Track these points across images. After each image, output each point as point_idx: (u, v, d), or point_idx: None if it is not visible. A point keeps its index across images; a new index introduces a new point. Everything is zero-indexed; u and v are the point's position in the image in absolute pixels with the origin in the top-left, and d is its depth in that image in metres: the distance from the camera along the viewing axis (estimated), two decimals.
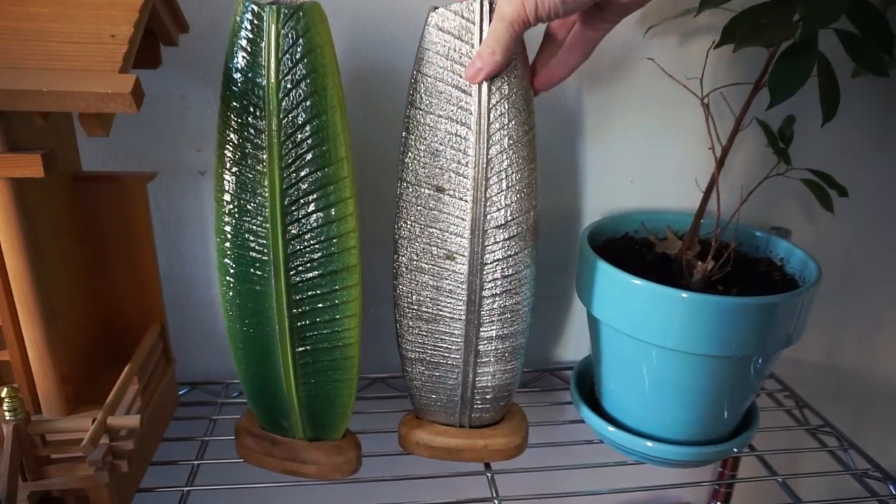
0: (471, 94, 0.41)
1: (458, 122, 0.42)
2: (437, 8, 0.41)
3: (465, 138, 0.42)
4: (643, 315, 0.46)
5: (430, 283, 0.46)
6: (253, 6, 0.37)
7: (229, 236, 0.42)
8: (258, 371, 0.45)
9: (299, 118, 0.39)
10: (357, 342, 0.44)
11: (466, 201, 0.43)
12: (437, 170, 0.43)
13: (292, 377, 0.45)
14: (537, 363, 0.66)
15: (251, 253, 0.42)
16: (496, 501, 0.48)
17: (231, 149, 0.40)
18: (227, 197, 0.41)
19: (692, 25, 0.55)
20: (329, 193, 0.40)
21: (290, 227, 0.41)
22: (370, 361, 0.62)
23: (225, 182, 0.41)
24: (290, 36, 0.37)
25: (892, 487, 0.51)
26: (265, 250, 0.41)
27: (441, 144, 0.43)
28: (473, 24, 0.40)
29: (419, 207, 0.44)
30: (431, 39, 0.41)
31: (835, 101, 0.44)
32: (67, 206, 0.44)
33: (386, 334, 0.62)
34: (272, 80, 0.38)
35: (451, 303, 0.46)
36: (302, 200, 0.40)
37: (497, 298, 0.45)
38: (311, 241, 0.41)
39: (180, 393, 0.57)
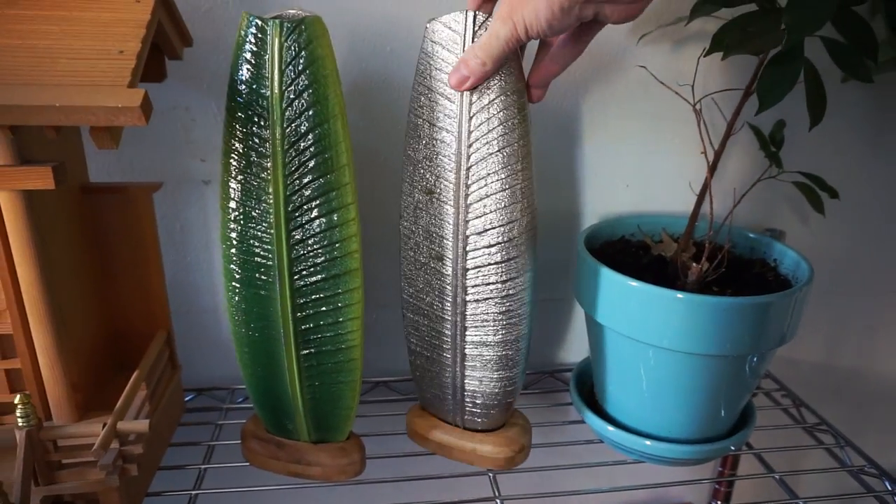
0: (454, 102, 0.43)
1: (444, 129, 0.43)
2: (432, 20, 0.42)
3: (448, 145, 0.44)
4: (640, 316, 0.47)
5: (427, 280, 0.47)
6: (257, 20, 0.39)
7: (235, 242, 0.43)
8: (263, 374, 0.46)
9: (302, 127, 0.40)
10: (360, 345, 0.45)
11: (451, 206, 0.45)
12: (427, 174, 0.45)
13: (297, 380, 0.46)
14: (537, 365, 0.67)
15: (256, 258, 0.43)
16: (498, 501, 0.49)
17: (236, 157, 0.41)
18: (232, 204, 0.42)
19: (684, 33, 0.56)
20: (331, 199, 0.41)
21: (293, 233, 0.42)
22: (373, 365, 0.63)
23: (230, 190, 0.42)
24: (292, 48, 0.39)
25: (887, 483, 0.52)
26: (270, 255, 0.42)
27: (430, 150, 0.44)
28: (459, 35, 0.42)
29: (415, 208, 0.46)
30: (426, 49, 0.43)
31: (821, 107, 0.45)
32: (76, 216, 0.45)
33: (388, 338, 0.63)
34: (276, 91, 0.39)
35: (440, 303, 0.47)
36: (305, 206, 0.41)
37: (480, 304, 0.46)
38: (315, 246, 0.42)
39: (186, 399, 0.58)
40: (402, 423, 0.54)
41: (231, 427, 0.55)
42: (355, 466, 0.49)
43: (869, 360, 0.76)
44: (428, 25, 0.43)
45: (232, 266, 0.43)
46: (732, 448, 0.52)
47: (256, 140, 0.40)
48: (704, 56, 0.50)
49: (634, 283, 0.46)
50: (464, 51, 0.41)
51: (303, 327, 0.44)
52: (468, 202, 0.44)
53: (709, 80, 0.57)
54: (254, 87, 0.40)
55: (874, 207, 0.67)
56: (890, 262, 0.71)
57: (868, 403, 0.79)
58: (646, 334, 0.47)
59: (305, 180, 0.41)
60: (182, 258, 0.58)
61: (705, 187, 0.50)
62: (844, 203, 0.58)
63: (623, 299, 0.47)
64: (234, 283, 0.44)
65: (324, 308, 0.44)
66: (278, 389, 0.47)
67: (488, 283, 0.45)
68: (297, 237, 0.42)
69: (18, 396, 0.38)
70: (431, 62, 0.43)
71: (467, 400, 0.50)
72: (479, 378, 0.48)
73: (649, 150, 0.60)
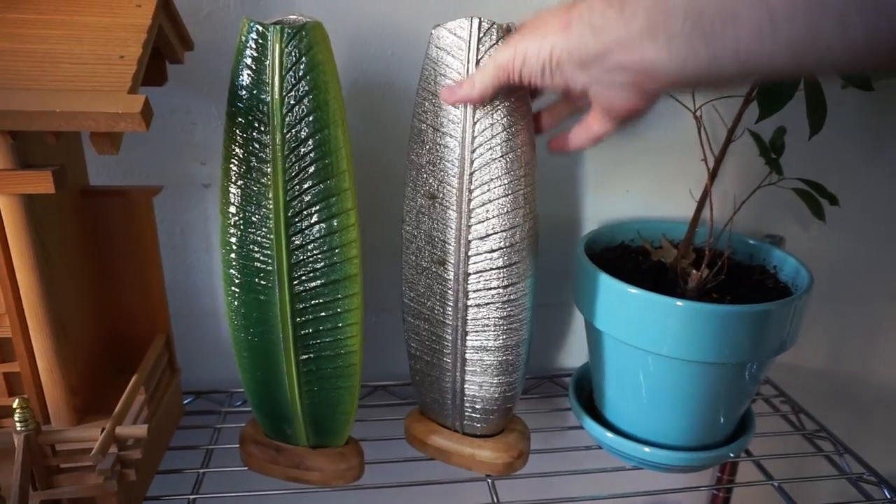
0: (458, 108, 0.43)
1: (447, 134, 0.43)
2: (438, 26, 0.43)
3: (452, 149, 0.44)
4: (640, 323, 0.47)
5: (428, 284, 0.47)
6: (258, 26, 0.39)
7: (234, 247, 0.43)
8: (262, 379, 0.46)
9: (302, 132, 0.40)
10: (359, 349, 0.45)
11: (453, 210, 0.45)
12: (431, 178, 0.45)
13: (296, 385, 0.46)
14: (537, 370, 0.66)
15: (256, 263, 0.43)
16: None
17: (236, 162, 0.41)
18: (232, 209, 0.42)
19: None
20: (331, 205, 0.41)
21: (293, 238, 0.42)
22: (372, 370, 0.63)
23: (230, 195, 0.42)
24: (293, 54, 0.39)
25: (886, 491, 0.52)
26: (269, 261, 0.42)
27: (434, 154, 0.44)
28: (464, 41, 0.42)
29: (417, 212, 0.46)
30: (430, 55, 0.43)
31: (822, 114, 0.45)
32: (76, 220, 0.45)
33: (387, 343, 0.63)
34: (276, 97, 0.39)
35: (441, 307, 0.47)
36: (305, 212, 0.41)
37: (481, 309, 0.46)
38: (314, 251, 0.42)
39: (185, 402, 0.58)
40: (401, 427, 0.54)
41: (230, 431, 0.55)
42: (354, 471, 0.49)
43: (868, 367, 0.76)
44: (433, 31, 0.43)
45: (232, 271, 0.43)
46: (731, 455, 0.52)
47: (256, 145, 0.40)
48: None
49: (634, 290, 0.46)
50: (468, 57, 0.42)
51: (302, 332, 0.44)
52: (471, 207, 0.44)
53: None
54: (254, 92, 0.40)
55: (874, 214, 0.67)
56: (890, 269, 0.71)
57: (867, 410, 0.79)
58: (645, 341, 0.47)
59: (305, 186, 0.41)
60: (182, 261, 0.58)
61: (705, 194, 0.50)
62: (844, 210, 0.57)
63: (622, 306, 0.47)
64: (233, 288, 0.44)
65: (323, 313, 0.44)
66: (277, 394, 0.47)
67: (490, 288, 0.45)
68: (297, 242, 0.42)
69: (17, 400, 0.38)
70: (436, 68, 0.43)
71: (467, 405, 0.50)
72: (479, 383, 0.48)
73: (650, 156, 0.60)
